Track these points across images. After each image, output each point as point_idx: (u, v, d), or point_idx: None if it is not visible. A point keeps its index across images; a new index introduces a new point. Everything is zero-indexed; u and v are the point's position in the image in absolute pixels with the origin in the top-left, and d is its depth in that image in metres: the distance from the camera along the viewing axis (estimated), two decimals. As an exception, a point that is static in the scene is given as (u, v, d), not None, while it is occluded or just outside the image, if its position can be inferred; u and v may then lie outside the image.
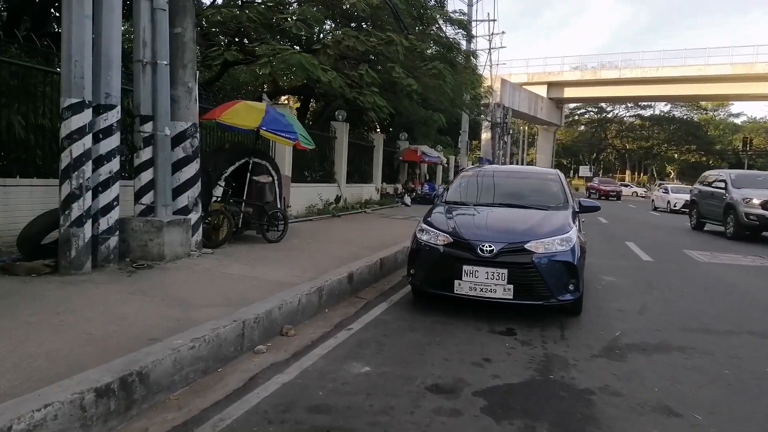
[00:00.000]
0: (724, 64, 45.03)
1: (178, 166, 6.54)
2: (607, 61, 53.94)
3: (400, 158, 20.33)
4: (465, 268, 4.95)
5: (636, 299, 6.39)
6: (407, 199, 18.45)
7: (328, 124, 15.61)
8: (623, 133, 75.39)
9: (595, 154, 79.15)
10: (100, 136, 5.44)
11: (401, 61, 13.54)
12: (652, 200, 28.13)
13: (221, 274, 5.66)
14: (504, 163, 51.80)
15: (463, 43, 20.92)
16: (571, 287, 4.99)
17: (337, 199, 14.44)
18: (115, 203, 5.59)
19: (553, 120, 61.07)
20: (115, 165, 5.55)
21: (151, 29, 6.00)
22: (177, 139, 6.51)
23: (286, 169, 11.42)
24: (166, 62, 6.11)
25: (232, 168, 7.78)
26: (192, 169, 6.65)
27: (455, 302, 5.17)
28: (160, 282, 5.12)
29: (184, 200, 6.59)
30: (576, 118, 75.00)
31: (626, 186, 53.77)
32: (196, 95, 6.70)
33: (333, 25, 15.36)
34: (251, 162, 7.91)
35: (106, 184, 5.50)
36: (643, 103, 68.18)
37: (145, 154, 6.12)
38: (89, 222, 5.25)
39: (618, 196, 38.20)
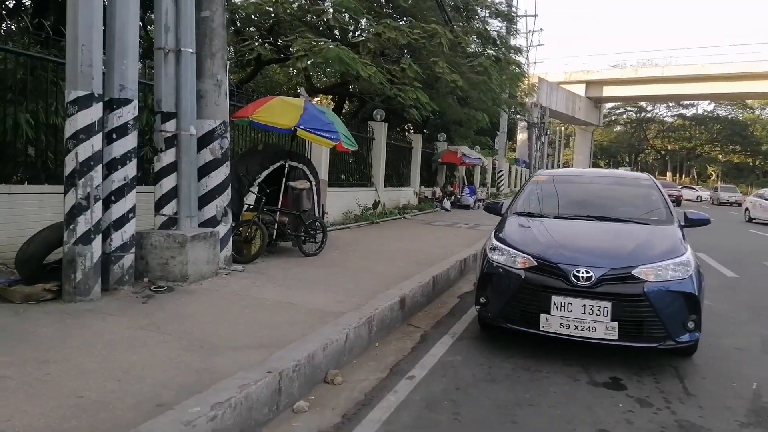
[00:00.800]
0: (777, 60, 42.62)
1: (205, 170, 5.71)
2: (647, 58, 51.85)
3: (439, 160, 19.28)
4: (555, 299, 3.94)
5: (749, 331, 5.26)
6: (447, 204, 17.40)
7: (364, 124, 14.73)
8: (664, 133, 72.57)
9: (633, 155, 76.39)
10: (114, 135, 4.62)
11: (445, 55, 12.58)
12: (746, 209, 24.10)
13: (253, 300, 4.77)
14: (541, 166, 50.24)
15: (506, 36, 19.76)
16: (690, 325, 3.92)
17: (375, 204, 13.52)
18: (130, 215, 4.76)
19: (591, 120, 59.11)
20: (130, 170, 4.73)
21: (174, 12, 5.17)
22: (204, 140, 5.68)
23: (323, 173, 10.55)
24: (191, 50, 5.27)
25: (266, 172, 6.92)
26: (221, 174, 5.81)
27: (535, 338, 4.16)
28: (180, 312, 4.26)
29: (211, 210, 5.74)
30: (614, 118, 72.59)
31: (689, 189, 49.96)
32: (226, 89, 5.85)
33: (367, 22, 14.48)
34: (287, 165, 7.04)
35: (120, 193, 4.68)
36: (685, 102, 65.51)
37: (167, 156, 5.29)
38: (98, 238, 4.42)
39: (678, 201, 35.61)
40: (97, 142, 4.32)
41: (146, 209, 5.62)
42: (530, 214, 5.12)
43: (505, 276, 4.22)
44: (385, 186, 14.82)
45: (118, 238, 4.68)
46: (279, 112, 6.65)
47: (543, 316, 3.97)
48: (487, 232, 11.50)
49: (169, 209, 5.30)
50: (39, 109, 5.69)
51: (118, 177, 4.64)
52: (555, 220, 4.90)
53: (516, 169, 40.92)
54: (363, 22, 14.21)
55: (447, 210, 17.04)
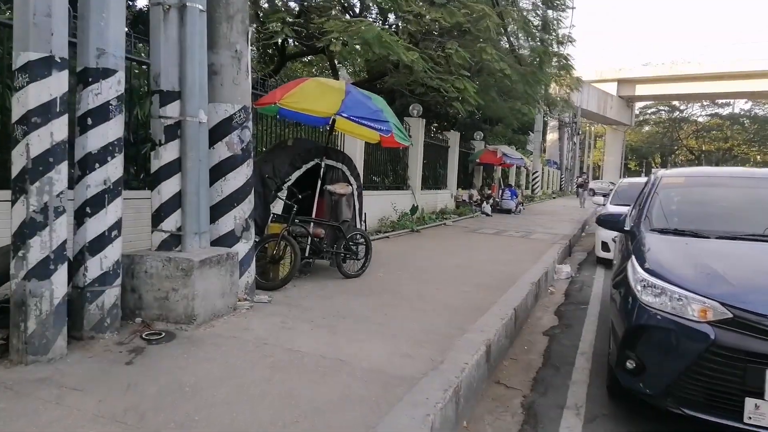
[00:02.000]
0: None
1: (219, 171, 4.33)
2: (680, 57, 49.70)
3: (477, 160, 17.72)
4: (772, 376, 2.44)
5: None
6: (487, 208, 15.83)
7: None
8: (700, 132, 69.86)
9: (666, 156, 73.62)
10: (89, 121, 3.25)
11: (493, 41, 11.08)
12: None
13: (284, 354, 3.35)
14: (572, 167, 48.29)
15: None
16: None
17: (413, 209, 12.06)
18: (113, 233, 3.38)
19: (623, 120, 57.11)
20: (113, 170, 3.35)
21: (177, -46, 3.80)
22: (218, 130, 4.30)
23: (358, 174, 9.11)
24: (200, 7, 3.88)
25: (297, 173, 5.53)
26: (241, 175, 4.42)
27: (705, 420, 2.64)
28: (180, 381, 2.85)
29: (228, 223, 4.35)
30: (645, 117, 70.12)
31: None
32: (248, 64, 4.45)
33: (406, 4, 13.04)
34: (323, 165, 5.62)
35: (98, 202, 3.31)
36: (721, 101, 62.88)
37: (169, 152, 3.90)
38: (63, 268, 3.03)
39: None
40: (58, 128, 2.93)
41: (146, 222, 4.27)
42: (678, 232, 3.59)
43: (674, 332, 2.72)
44: (421, 188, 13.37)
45: (95, 267, 3.31)
46: (315, 96, 5.22)
47: (750, 402, 2.48)
48: (543, 243, 10.03)
49: (170, 223, 3.91)
50: (5, 91, 4.36)
51: (96, 180, 3.27)
52: (726, 242, 3.36)
53: (547, 170, 39.20)
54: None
55: (488, 215, 15.49)
